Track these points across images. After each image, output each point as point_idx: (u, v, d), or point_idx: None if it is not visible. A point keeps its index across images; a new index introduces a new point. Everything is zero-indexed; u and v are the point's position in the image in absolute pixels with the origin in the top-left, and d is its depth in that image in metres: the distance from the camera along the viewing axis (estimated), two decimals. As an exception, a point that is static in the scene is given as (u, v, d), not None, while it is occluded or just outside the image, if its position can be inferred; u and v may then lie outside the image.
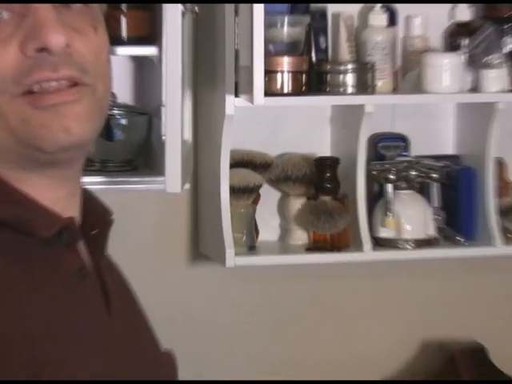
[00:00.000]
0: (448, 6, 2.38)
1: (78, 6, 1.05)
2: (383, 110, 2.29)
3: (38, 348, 1.00)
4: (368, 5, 2.34)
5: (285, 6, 2.24)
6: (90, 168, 2.02)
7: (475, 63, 2.24)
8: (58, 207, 1.06)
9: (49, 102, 1.01)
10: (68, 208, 1.07)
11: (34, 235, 1.04)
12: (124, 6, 2.11)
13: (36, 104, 1.01)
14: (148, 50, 2.11)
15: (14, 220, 1.04)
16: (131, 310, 1.18)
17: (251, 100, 1.97)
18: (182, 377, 1.19)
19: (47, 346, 1.00)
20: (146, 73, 2.25)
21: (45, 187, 1.06)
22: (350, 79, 2.18)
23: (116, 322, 1.08)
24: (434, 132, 2.43)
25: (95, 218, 1.13)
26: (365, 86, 2.18)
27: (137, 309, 1.20)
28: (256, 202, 2.25)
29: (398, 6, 2.35)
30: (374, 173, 2.25)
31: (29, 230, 1.03)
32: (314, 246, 2.24)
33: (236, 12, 2.04)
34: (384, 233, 2.24)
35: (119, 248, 1.21)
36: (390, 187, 2.23)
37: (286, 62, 2.10)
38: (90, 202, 1.14)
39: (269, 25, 2.04)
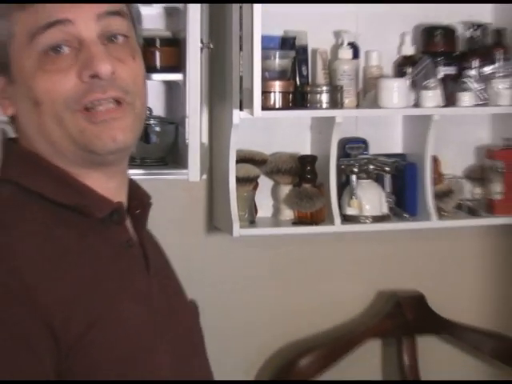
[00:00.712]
0: (397, 43, 2.43)
1: (121, 39, 1.09)
2: (349, 121, 2.39)
3: (96, 300, 1.03)
4: (338, 42, 2.38)
5: (276, 43, 2.31)
6: (132, 163, 2.01)
7: (417, 86, 2.33)
8: (110, 194, 1.11)
9: (100, 118, 1.06)
10: (117, 195, 1.13)
11: (92, 216, 1.09)
12: (158, 44, 2.17)
13: (91, 119, 1.06)
14: (175, 76, 2.17)
15: (75, 205, 1.08)
16: (164, 270, 1.22)
17: (252, 113, 2.09)
18: (202, 319, 1.27)
19: (103, 299, 1.04)
20: (174, 93, 2.30)
21: (100, 181, 1.11)
22: (324, 98, 2.27)
23: (153, 279, 1.13)
24: (387, 137, 2.50)
25: (138, 201, 1.17)
26: (335, 102, 2.28)
27: (168, 268, 1.24)
28: (255, 188, 2.36)
29: (360, 44, 2.39)
30: (343, 167, 2.36)
31: (88, 213, 1.09)
32: (298, 221, 2.36)
33: (241, 48, 2.13)
34: (350, 211, 2.35)
35: (155, 222, 1.26)
36: (354, 177, 2.35)
37: (277, 85, 2.21)
38: (134, 189, 1.18)
39: (264, 57, 2.14)
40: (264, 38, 2.09)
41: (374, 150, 2.45)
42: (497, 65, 2.39)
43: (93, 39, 1.06)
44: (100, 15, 1.06)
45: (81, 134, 1.06)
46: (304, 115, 2.37)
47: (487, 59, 2.39)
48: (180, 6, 2.15)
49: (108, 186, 1.11)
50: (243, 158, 2.32)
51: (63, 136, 1.07)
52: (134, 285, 1.09)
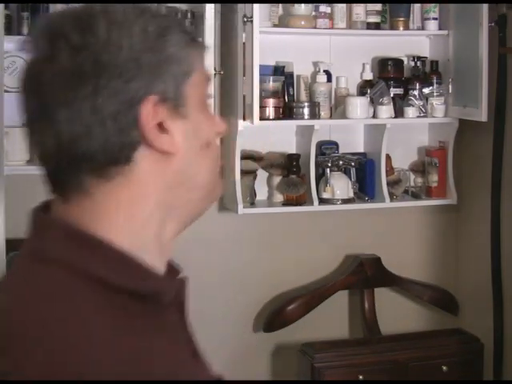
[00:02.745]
0: (360, 70, 2.56)
1: None
2: (324, 128, 2.53)
3: (156, 359, 0.78)
4: (316, 70, 2.50)
5: (270, 71, 2.42)
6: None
7: (374, 102, 2.49)
8: (166, 251, 0.85)
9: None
10: (170, 250, 0.86)
11: (160, 302, 0.81)
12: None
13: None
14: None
15: (153, 292, 0.80)
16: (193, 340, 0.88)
17: (252, 122, 2.24)
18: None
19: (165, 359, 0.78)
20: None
21: (173, 238, 0.86)
22: (306, 111, 2.40)
23: (187, 337, 0.87)
24: (352, 140, 2.63)
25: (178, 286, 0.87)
26: (314, 114, 2.42)
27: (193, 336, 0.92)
28: (255, 178, 2.50)
29: (332, 71, 2.52)
30: (320, 162, 2.50)
31: (158, 300, 0.81)
32: (287, 203, 2.51)
33: (244, 74, 2.24)
34: (325, 195, 2.49)
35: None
36: (328, 170, 2.50)
37: (271, 102, 2.34)
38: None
39: (261, 81, 2.28)
40: (261, 67, 2.24)
41: (342, 149, 2.58)
42: (433, 87, 2.52)
43: None
44: None
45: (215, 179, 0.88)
46: (291, 124, 2.49)
47: (426, 83, 2.53)
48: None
49: (173, 240, 0.86)
50: (246, 156, 2.44)
51: (212, 181, 0.86)
52: (174, 345, 0.84)
